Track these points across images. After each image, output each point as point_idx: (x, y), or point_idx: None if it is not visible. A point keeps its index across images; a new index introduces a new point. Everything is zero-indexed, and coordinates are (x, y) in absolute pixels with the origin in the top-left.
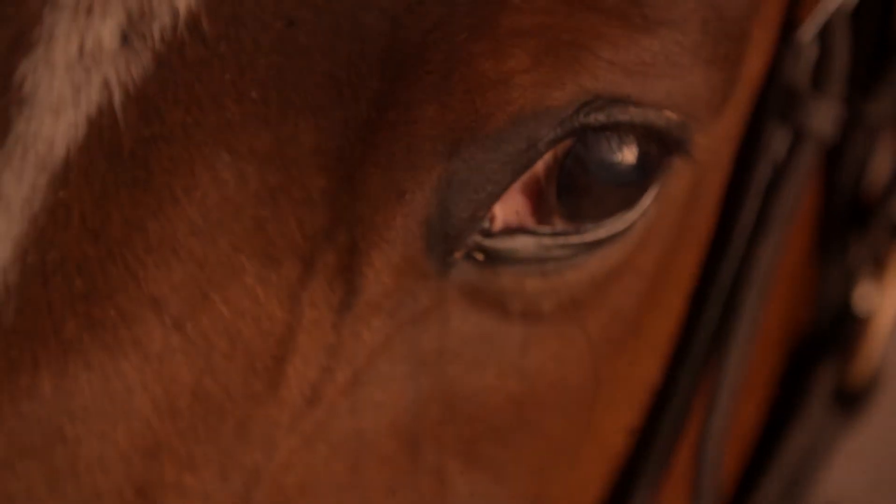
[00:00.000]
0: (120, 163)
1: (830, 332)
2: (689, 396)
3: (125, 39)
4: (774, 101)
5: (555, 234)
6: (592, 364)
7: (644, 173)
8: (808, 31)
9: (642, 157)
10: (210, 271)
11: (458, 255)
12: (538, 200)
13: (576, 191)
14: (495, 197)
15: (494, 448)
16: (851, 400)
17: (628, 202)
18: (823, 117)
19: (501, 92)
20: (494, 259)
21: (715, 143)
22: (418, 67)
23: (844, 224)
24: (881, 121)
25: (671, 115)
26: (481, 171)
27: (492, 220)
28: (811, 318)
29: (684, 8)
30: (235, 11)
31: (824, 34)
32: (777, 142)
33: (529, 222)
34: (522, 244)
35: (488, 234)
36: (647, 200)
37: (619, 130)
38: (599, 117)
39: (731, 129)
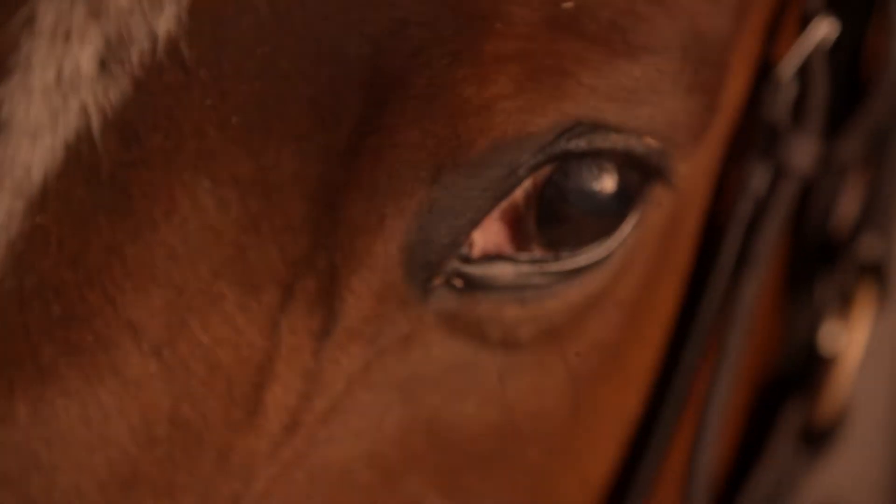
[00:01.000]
0: (98, 188)
1: (798, 370)
2: (670, 432)
3: (103, 65)
4: (755, 137)
5: (534, 262)
6: (572, 394)
7: (623, 201)
8: (789, 67)
9: (622, 184)
10: (189, 297)
11: (437, 281)
12: (517, 228)
13: (555, 218)
14: (475, 223)
15: (475, 479)
16: (818, 438)
17: (608, 230)
18: (803, 154)
19: (484, 118)
20: (474, 286)
21: (694, 174)
22: (401, 92)
23: (813, 263)
24: (850, 160)
25: (652, 142)
26: (462, 197)
27: (471, 246)
28: (780, 356)
29: (666, 35)
30: (216, 37)
31: (803, 71)
32: (758, 178)
33: (508, 249)
34: (501, 271)
35: (468, 260)
36: (626, 229)
37: (600, 157)
38: (581, 144)
39: (710, 162)
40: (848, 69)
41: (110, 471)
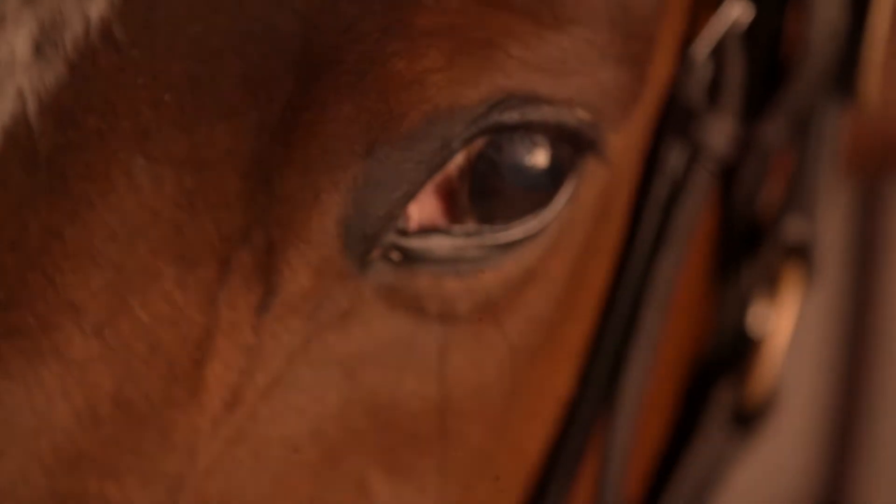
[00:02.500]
0: (35, 171)
1: (728, 352)
2: (594, 410)
3: (38, 49)
4: (671, 117)
5: (469, 235)
6: (510, 371)
7: (556, 174)
8: (703, 47)
9: (555, 157)
10: (128, 276)
11: (375, 254)
12: (451, 201)
13: (488, 192)
14: (411, 195)
15: (416, 456)
16: (749, 420)
17: (541, 203)
18: (719, 134)
19: (415, 91)
20: (411, 259)
21: (624, 149)
22: (333, 68)
23: (740, 246)
24: (775, 142)
25: (583, 113)
26: (397, 171)
27: (407, 219)
28: (711, 339)
29: (593, 6)
30: (148, 18)
31: (718, 52)
32: (674, 158)
33: (443, 223)
34: (437, 244)
35: (404, 233)
36: (560, 202)
37: (532, 130)
38: (513, 116)
39: (639, 139)
40: (769, 52)
41: (55, 454)
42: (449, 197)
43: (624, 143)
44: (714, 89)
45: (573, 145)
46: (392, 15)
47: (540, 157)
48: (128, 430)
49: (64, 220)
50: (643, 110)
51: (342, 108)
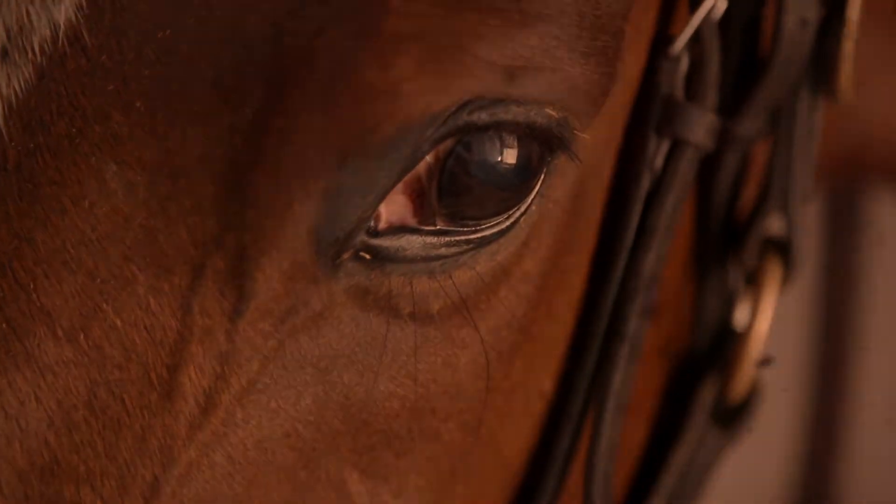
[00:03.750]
0: (5, 176)
1: (710, 348)
2: (582, 408)
3: (5, 54)
4: (650, 111)
5: (439, 233)
6: (484, 370)
7: (526, 172)
8: (680, 41)
9: (524, 155)
10: (101, 282)
11: (346, 255)
12: (420, 201)
13: (457, 191)
14: (381, 198)
15: (392, 457)
16: (732, 415)
17: (512, 200)
18: (698, 127)
19: (388, 101)
20: (382, 258)
21: (596, 145)
22: (305, 75)
23: (720, 241)
24: (752, 136)
25: (553, 112)
26: (368, 178)
27: (377, 219)
28: (693, 335)
29: (561, 2)
30: (116, 23)
31: (696, 44)
32: (654, 150)
33: (412, 222)
34: (408, 243)
35: (374, 233)
36: (529, 200)
37: (502, 129)
38: (483, 116)
39: (612, 134)
40: (746, 45)
41: (29, 459)
42: (417, 196)
43: (596, 137)
44: (692, 81)
45: (542, 143)
46: (361, 20)
47: (509, 155)
48: (102, 435)
49: (35, 226)
50: (616, 104)
51: (315, 119)
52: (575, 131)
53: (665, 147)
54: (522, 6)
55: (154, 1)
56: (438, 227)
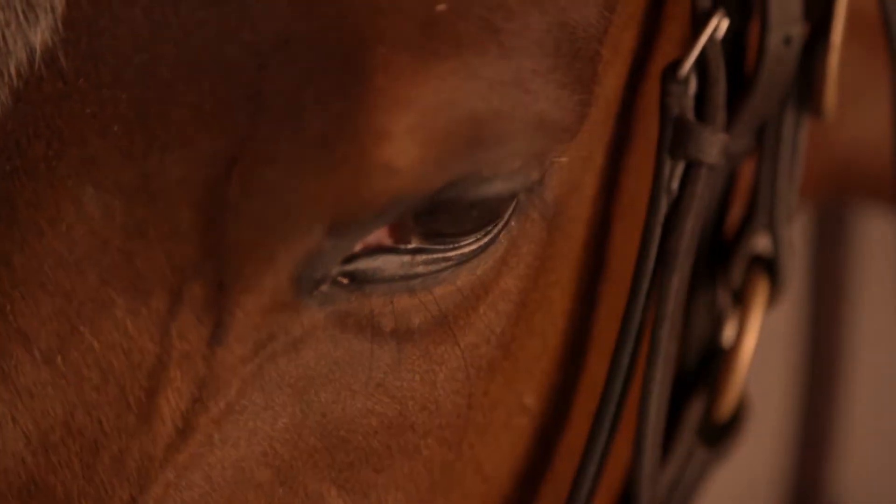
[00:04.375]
0: None
1: (698, 367)
2: (608, 434)
3: None
4: (663, 134)
5: (416, 251)
6: (464, 386)
7: (500, 210)
8: (687, 62)
9: (498, 207)
10: (79, 304)
11: (325, 285)
12: (396, 222)
13: (433, 211)
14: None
15: (371, 473)
16: (719, 433)
17: (488, 218)
18: (712, 147)
19: (385, 177)
20: (361, 280)
21: (573, 165)
22: (296, 130)
23: (708, 259)
24: (738, 155)
25: (535, 174)
26: (355, 239)
27: None
28: (680, 353)
29: (538, 31)
30: (93, 46)
31: (704, 65)
32: (670, 174)
33: (388, 242)
34: (385, 262)
35: (351, 257)
36: (507, 216)
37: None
38: (468, 194)
39: (591, 153)
40: (732, 63)
41: (6, 480)
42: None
43: (573, 157)
44: (700, 101)
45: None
46: (348, 74)
47: (488, 203)
48: (80, 458)
49: (12, 248)
50: (595, 122)
51: (308, 185)
52: (551, 164)
53: (680, 169)
54: (500, 38)
55: (132, 24)
56: (414, 246)
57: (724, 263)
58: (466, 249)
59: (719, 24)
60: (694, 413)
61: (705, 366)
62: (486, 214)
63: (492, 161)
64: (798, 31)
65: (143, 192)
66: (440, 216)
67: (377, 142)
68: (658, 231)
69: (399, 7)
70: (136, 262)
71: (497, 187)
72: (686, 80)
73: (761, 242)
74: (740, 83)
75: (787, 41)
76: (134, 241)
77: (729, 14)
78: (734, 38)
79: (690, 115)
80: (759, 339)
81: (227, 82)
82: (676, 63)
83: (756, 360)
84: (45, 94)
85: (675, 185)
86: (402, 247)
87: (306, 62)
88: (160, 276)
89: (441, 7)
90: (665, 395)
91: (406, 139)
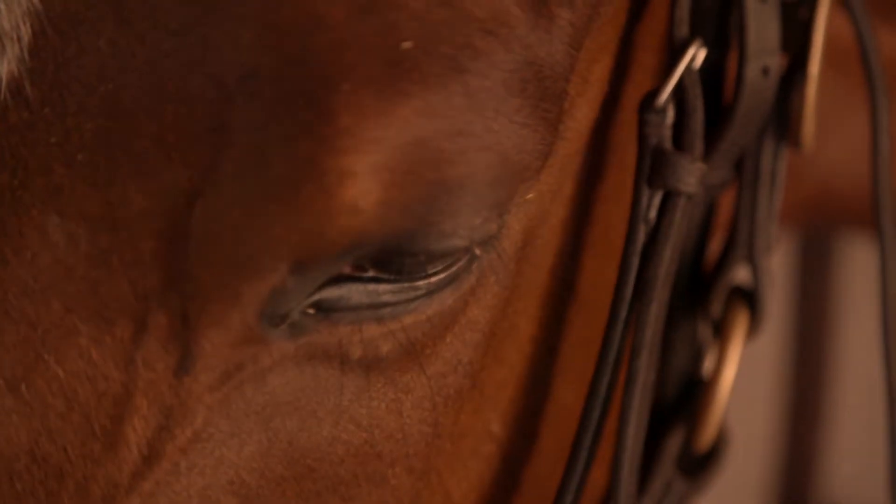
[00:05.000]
0: None
1: (678, 398)
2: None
3: None
4: (641, 164)
5: (378, 280)
6: (431, 415)
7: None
8: (664, 92)
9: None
10: (43, 332)
11: (292, 318)
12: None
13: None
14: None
15: (339, 502)
16: (698, 464)
17: (448, 254)
18: (689, 176)
19: (349, 218)
20: (328, 309)
21: (542, 197)
22: (261, 168)
23: (687, 291)
24: (717, 186)
25: (495, 227)
26: (319, 277)
27: None
28: (661, 384)
29: (503, 70)
30: (59, 76)
31: (682, 95)
32: (648, 203)
33: (346, 270)
34: (349, 291)
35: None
36: (473, 251)
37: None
38: (429, 244)
39: (560, 185)
40: (710, 94)
41: None
42: None
43: (541, 190)
44: (678, 131)
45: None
46: (312, 112)
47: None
48: (44, 485)
49: None
50: (563, 155)
51: (273, 225)
52: (515, 204)
53: (658, 198)
54: (465, 78)
55: (97, 54)
56: (371, 275)
57: (704, 295)
58: (435, 279)
59: (697, 54)
60: (673, 444)
61: (686, 397)
62: (447, 257)
63: (453, 210)
64: (775, 61)
65: (106, 221)
66: (397, 260)
67: (342, 182)
68: (636, 260)
69: (364, 44)
70: (101, 291)
71: (456, 242)
72: (664, 110)
73: (741, 273)
74: (718, 114)
75: (765, 72)
76: (98, 270)
77: (706, 44)
78: (712, 69)
79: (668, 144)
80: (745, 365)
81: (190, 114)
82: (654, 92)
83: (742, 384)
84: (11, 124)
85: (652, 214)
86: (366, 275)
87: (271, 97)
88: (124, 305)
89: (407, 45)
90: (642, 425)
91: (370, 180)
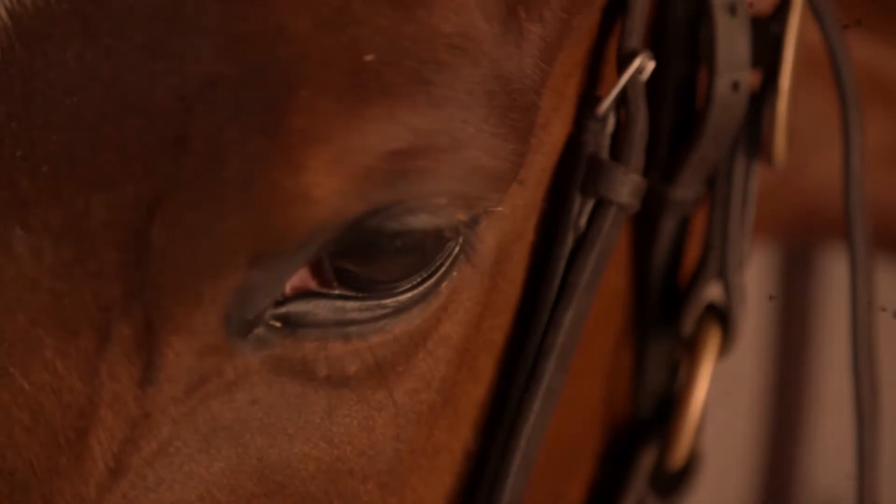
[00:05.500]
0: None
1: (652, 415)
2: (500, 463)
3: None
4: (575, 171)
5: (346, 297)
6: (404, 431)
7: (433, 244)
8: (606, 101)
9: (426, 243)
10: (8, 345)
11: (258, 329)
12: (316, 266)
13: (350, 259)
14: (289, 279)
15: None
16: (671, 482)
17: (418, 265)
18: (622, 187)
19: (302, 207)
20: (293, 324)
21: (516, 212)
22: (217, 170)
23: (660, 307)
24: (689, 202)
25: (462, 216)
26: (279, 275)
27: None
28: (634, 402)
29: (470, 83)
30: (25, 90)
31: (621, 104)
32: (579, 210)
33: (312, 285)
34: (316, 307)
35: (282, 300)
36: (447, 265)
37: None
38: (393, 225)
39: (535, 200)
40: (681, 109)
41: None
42: (313, 262)
43: (516, 205)
44: (617, 141)
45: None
46: (270, 112)
47: (412, 236)
48: (11, 499)
49: None
50: (538, 170)
51: (228, 221)
52: (485, 212)
53: (589, 206)
54: (430, 89)
55: (64, 69)
56: (339, 292)
57: (676, 310)
58: (403, 297)
59: (645, 66)
60: (646, 461)
61: (660, 414)
62: (414, 259)
63: (416, 194)
64: (746, 76)
65: (70, 234)
66: (363, 256)
67: (293, 174)
68: (562, 265)
69: (326, 56)
70: (65, 303)
71: (422, 220)
72: (604, 119)
73: (714, 290)
74: (689, 129)
75: (736, 87)
76: (62, 282)
77: (677, 59)
78: (684, 84)
79: (605, 153)
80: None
81: (152, 125)
82: (596, 101)
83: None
84: None
85: (583, 221)
86: (333, 292)
87: (230, 104)
88: (88, 316)
89: (369, 57)
90: (541, 430)
91: (323, 172)
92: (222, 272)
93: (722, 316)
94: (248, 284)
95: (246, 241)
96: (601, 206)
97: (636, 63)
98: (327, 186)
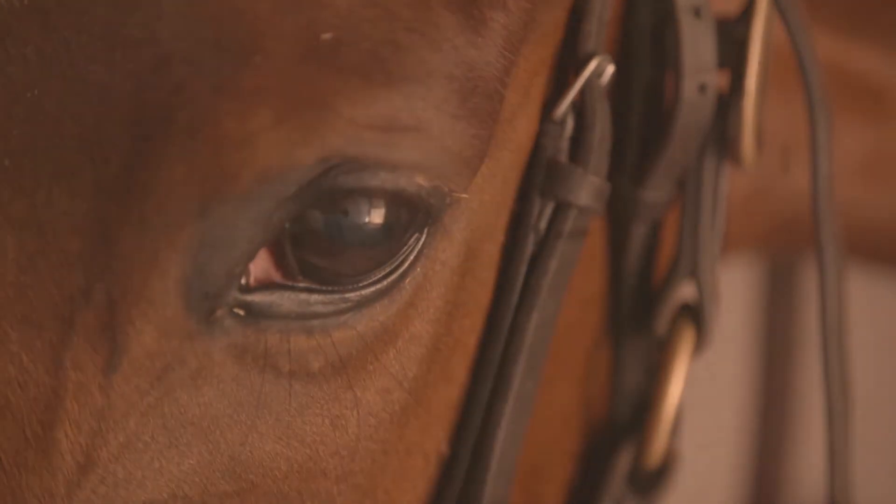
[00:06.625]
0: None
1: (629, 415)
2: (469, 467)
3: None
4: (535, 173)
5: (310, 290)
6: (377, 431)
7: (394, 232)
8: (563, 104)
9: (391, 217)
10: None
11: (220, 312)
12: (279, 255)
13: (310, 246)
14: (249, 255)
15: None
16: (649, 481)
17: (381, 258)
18: (581, 190)
19: (247, 151)
20: (256, 315)
21: (486, 208)
22: (166, 128)
23: (635, 309)
24: (660, 204)
25: (422, 181)
26: (233, 230)
27: (247, 274)
28: (611, 402)
29: (428, 64)
30: None
31: (581, 107)
32: (538, 213)
33: (276, 277)
34: (280, 298)
35: (247, 289)
36: (411, 258)
37: (369, 195)
38: (349, 181)
39: (504, 198)
40: (648, 112)
41: None
42: (277, 252)
43: (485, 200)
44: (577, 144)
45: (412, 207)
46: (222, 75)
47: (375, 217)
48: None
49: None
50: (506, 167)
51: (175, 169)
52: (448, 194)
53: (549, 209)
54: (389, 67)
55: (24, 63)
56: (304, 285)
57: (650, 312)
58: (366, 291)
59: (604, 70)
60: (623, 462)
61: (637, 415)
62: (379, 252)
63: (372, 156)
64: (713, 78)
65: (33, 225)
66: (319, 253)
67: (239, 121)
68: (523, 268)
69: (283, 33)
70: (29, 294)
71: (380, 178)
72: (562, 122)
73: (688, 290)
74: (658, 132)
75: (703, 89)
76: (26, 275)
77: (640, 63)
78: (648, 86)
79: (564, 156)
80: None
81: (109, 113)
82: (554, 104)
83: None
84: None
85: (543, 224)
86: (298, 284)
87: (182, 75)
88: (52, 307)
89: (327, 36)
90: (517, 435)
91: (271, 120)
92: (173, 223)
93: (695, 315)
94: (201, 240)
95: (193, 188)
96: (561, 209)
97: (592, 66)
98: (274, 133)
